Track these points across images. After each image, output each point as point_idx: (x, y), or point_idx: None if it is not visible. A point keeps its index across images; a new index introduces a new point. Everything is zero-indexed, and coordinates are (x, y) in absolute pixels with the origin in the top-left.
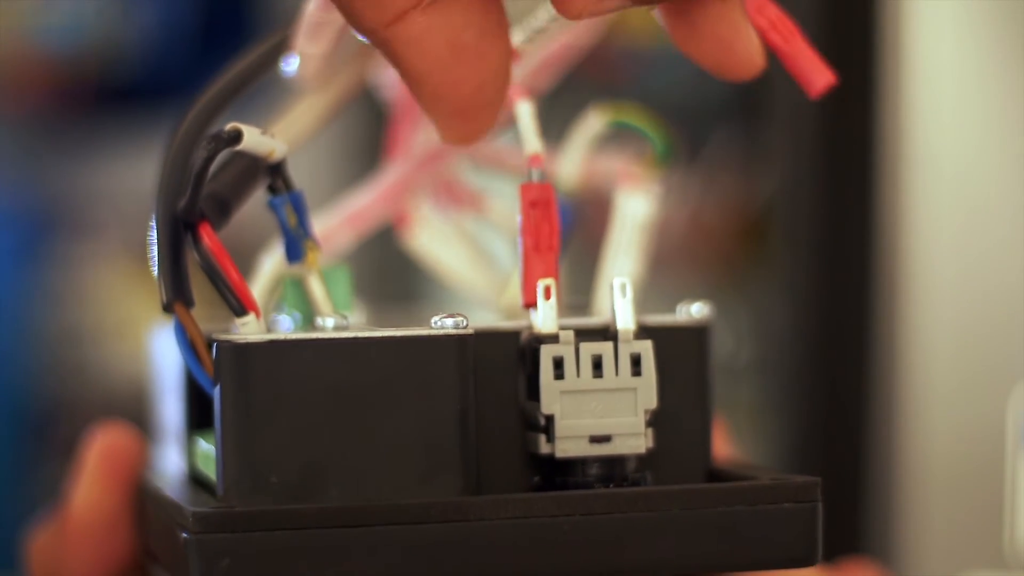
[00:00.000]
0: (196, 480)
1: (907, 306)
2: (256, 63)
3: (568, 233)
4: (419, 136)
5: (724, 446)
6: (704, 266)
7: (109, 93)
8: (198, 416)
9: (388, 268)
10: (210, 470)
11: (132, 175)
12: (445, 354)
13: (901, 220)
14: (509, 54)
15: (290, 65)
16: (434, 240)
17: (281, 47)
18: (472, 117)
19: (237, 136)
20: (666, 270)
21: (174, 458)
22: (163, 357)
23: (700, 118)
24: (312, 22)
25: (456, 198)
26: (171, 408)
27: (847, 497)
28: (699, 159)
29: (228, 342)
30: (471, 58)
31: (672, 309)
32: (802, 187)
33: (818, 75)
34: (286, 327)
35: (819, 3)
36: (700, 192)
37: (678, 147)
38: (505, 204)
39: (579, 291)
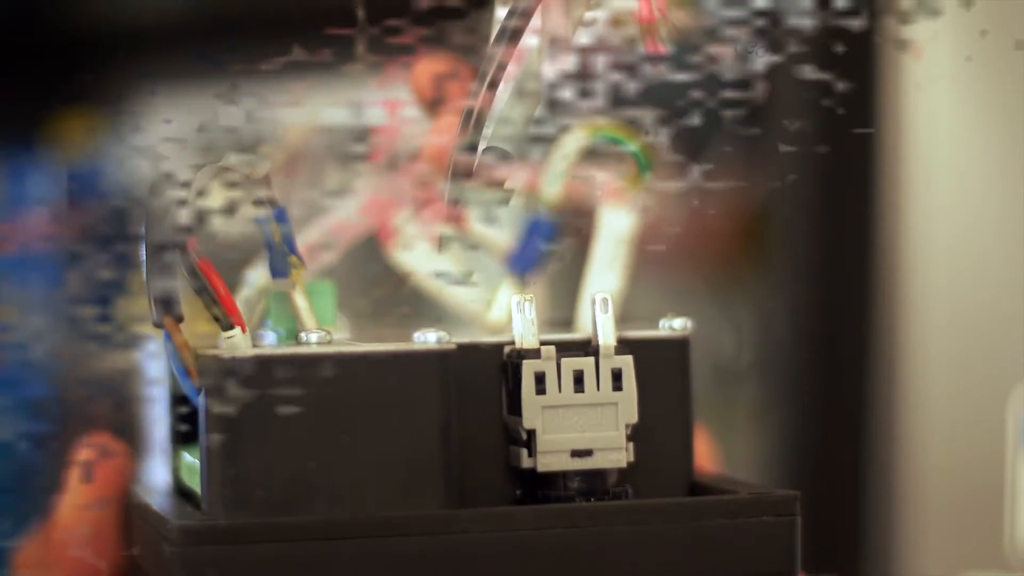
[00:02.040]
0: (181, 492)
1: (907, 306)
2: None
3: (550, 248)
4: (400, 148)
5: (707, 456)
6: (704, 266)
7: None
8: (183, 429)
9: (373, 281)
10: (195, 483)
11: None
12: (427, 369)
13: (900, 220)
14: None
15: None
16: (417, 253)
17: None
18: None
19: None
20: (665, 270)
21: (160, 471)
22: (151, 368)
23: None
24: None
25: (437, 211)
26: (157, 420)
27: (847, 497)
28: (699, 160)
29: (213, 356)
30: None
31: (672, 310)
32: (802, 187)
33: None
34: (270, 342)
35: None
36: (700, 192)
37: (679, 148)
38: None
39: (561, 306)
